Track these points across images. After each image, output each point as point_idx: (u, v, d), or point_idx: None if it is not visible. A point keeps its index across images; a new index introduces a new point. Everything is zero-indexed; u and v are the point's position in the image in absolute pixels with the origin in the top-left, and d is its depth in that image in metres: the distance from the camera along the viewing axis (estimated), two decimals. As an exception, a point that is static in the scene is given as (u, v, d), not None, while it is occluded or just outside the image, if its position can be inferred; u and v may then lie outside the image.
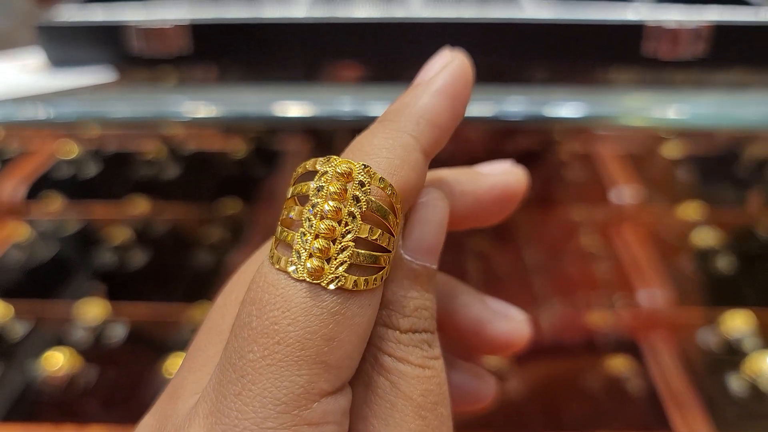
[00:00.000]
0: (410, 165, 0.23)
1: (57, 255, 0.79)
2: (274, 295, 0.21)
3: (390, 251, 0.22)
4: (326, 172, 0.22)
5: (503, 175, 0.28)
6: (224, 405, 0.20)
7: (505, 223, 0.83)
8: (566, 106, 0.57)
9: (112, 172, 0.92)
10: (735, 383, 0.62)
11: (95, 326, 0.68)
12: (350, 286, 0.21)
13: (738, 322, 0.66)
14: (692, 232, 0.79)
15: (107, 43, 0.62)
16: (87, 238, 0.81)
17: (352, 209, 0.21)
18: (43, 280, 0.76)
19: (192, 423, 0.21)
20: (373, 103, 0.57)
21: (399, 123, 0.24)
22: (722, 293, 0.72)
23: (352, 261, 0.21)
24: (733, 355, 0.64)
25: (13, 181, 0.86)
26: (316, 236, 0.21)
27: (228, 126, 0.92)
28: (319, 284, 0.21)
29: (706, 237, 0.78)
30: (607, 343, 0.66)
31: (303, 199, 0.22)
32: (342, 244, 0.21)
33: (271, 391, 0.20)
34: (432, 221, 0.25)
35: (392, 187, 0.22)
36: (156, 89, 0.63)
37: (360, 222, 0.21)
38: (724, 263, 0.75)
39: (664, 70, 0.59)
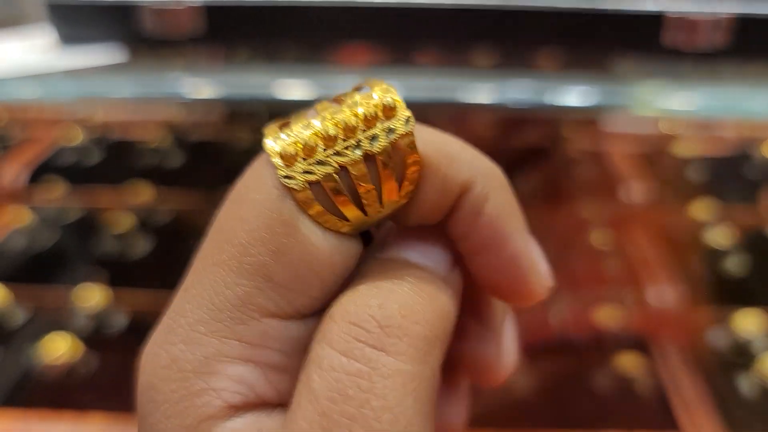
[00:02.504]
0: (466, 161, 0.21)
1: (58, 241, 0.78)
2: (241, 186, 0.19)
3: (367, 213, 0.19)
4: (374, 97, 0.19)
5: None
6: (173, 303, 0.20)
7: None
8: (582, 95, 0.56)
9: (116, 159, 0.92)
10: (745, 384, 0.61)
11: (96, 314, 0.67)
12: (302, 204, 0.19)
13: (749, 323, 0.65)
14: (703, 231, 0.78)
15: (119, 23, 0.61)
16: (89, 225, 0.80)
17: (360, 137, 0.19)
18: (44, 267, 0.75)
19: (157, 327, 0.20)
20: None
21: None
22: (733, 293, 0.72)
23: (322, 180, 0.19)
24: (743, 355, 0.63)
25: (16, 166, 0.86)
26: (315, 134, 0.19)
27: (234, 110, 0.92)
28: (284, 182, 0.18)
29: (717, 236, 0.77)
30: (616, 340, 0.65)
31: (335, 102, 0.20)
32: (325, 157, 0.19)
33: (210, 294, 0.19)
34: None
35: (417, 156, 0.19)
36: (167, 70, 0.62)
37: (357, 157, 0.19)
38: (735, 263, 0.74)
39: (683, 62, 0.59)
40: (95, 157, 0.91)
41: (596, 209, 0.82)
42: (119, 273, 0.73)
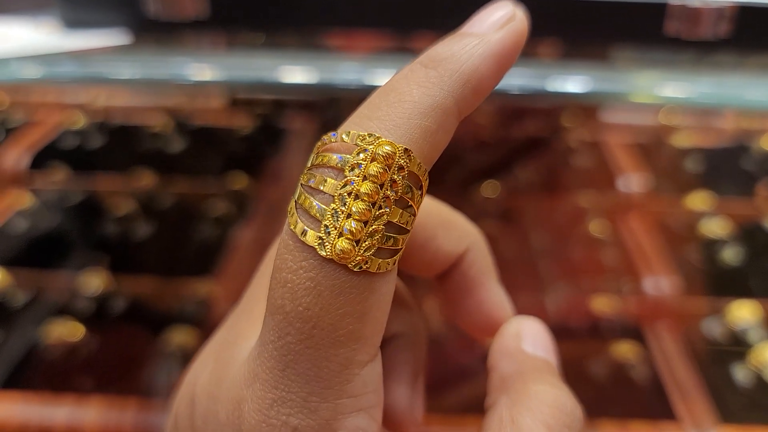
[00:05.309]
0: (444, 131, 0.22)
1: (60, 225, 0.79)
2: (303, 278, 0.21)
3: (410, 231, 0.22)
4: (365, 150, 0.21)
5: (500, 319, 0.28)
6: (273, 378, 0.21)
7: (512, 208, 0.82)
8: (581, 84, 0.56)
9: (118, 144, 0.92)
10: (740, 374, 0.61)
11: (97, 297, 0.68)
12: (374, 269, 0.21)
13: (744, 313, 0.66)
14: (700, 222, 0.79)
15: (123, 5, 0.61)
16: (90, 209, 0.81)
17: (389, 193, 0.21)
18: (45, 250, 0.75)
19: (240, 370, 0.23)
20: (385, 74, 0.57)
21: (443, 79, 0.22)
22: (729, 283, 0.72)
23: (379, 245, 0.21)
24: (738, 345, 0.64)
25: (18, 149, 0.86)
26: (348, 215, 0.20)
27: (236, 96, 0.92)
28: (345, 266, 0.20)
29: (713, 227, 0.78)
30: (612, 329, 0.66)
31: (333, 171, 0.21)
32: (373, 227, 0.21)
33: (313, 370, 0.21)
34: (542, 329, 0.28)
35: (425, 169, 0.21)
36: (170, 53, 0.62)
37: (393, 206, 0.21)
38: (731, 254, 0.75)
39: (684, 51, 0.59)
40: (97, 142, 0.92)
41: (594, 199, 0.82)
42: (120, 257, 0.74)
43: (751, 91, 0.59)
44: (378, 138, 0.21)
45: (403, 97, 0.21)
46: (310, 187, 0.21)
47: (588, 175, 0.87)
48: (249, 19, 0.61)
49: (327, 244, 0.20)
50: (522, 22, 0.23)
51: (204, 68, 0.59)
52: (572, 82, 0.58)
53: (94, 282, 0.69)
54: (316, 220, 0.21)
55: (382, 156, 0.20)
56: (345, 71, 0.59)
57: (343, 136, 0.21)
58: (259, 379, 0.22)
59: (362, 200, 0.20)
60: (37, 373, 0.61)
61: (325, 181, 0.21)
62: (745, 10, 0.58)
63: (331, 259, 0.20)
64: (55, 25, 0.63)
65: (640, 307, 0.68)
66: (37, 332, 0.64)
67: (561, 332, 0.68)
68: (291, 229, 0.21)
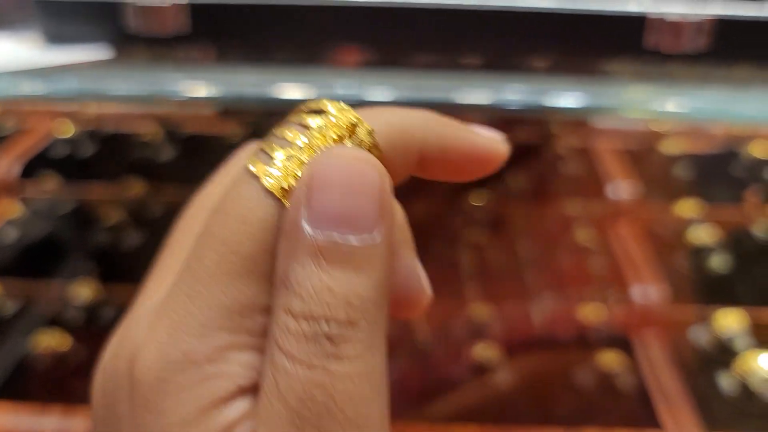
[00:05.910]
0: (404, 155, 0.25)
1: (50, 234, 0.79)
2: (240, 206, 0.21)
3: None
4: (335, 115, 0.23)
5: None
6: (175, 303, 0.21)
7: (499, 216, 0.82)
8: (565, 97, 0.57)
9: (108, 153, 0.92)
10: (726, 382, 0.61)
11: (87, 307, 0.68)
12: None
13: (731, 321, 0.66)
14: (688, 229, 0.79)
15: (104, 21, 0.61)
16: (81, 218, 0.81)
17: None
18: (35, 259, 0.75)
19: (144, 318, 0.22)
20: (373, 88, 0.57)
21: (430, 115, 0.25)
22: (716, 291, 0.72)
23: None
24: (724, 353, 0.64)
25: (8, 158, 0.86)
26: (302, 163, 0.21)
27: (224, 107, 0.92)
28: (283, 205, 0.21)
29: (701, 235, 0.78)
30: (599, 338, 0.66)
31: (301, 127, 0.23)
32: None
33: (220, 298, 0.20)
34: (337, 184, 0.20)
35: (380, 152, 0.23)
36: (152, 68, 0.62)
37: None
38: (719, 261, 0.75)
39: (665, 64, 0.59)
40: (87, 151, 0.92)
41: (583, 207, 0.82)
42: (110, 266, 0.73)
43: (734, 104, 0.59)
44: (349, 109, 0.23)
45: (394, 110, 0.25)
46: (276, 135, 0.23)
47: (577, 183, 0.87)
48: (230, 33, 0.61)
49: (274, 180, 0.21)
50: (505, 153, 0.27)
51: (186, 83, 0.59)
52: (561, 97, 0.58)
53: (84, 292, 0.69)
54: (270, 158, 0.22)
55: (347, 123, 0.22)
56: (332, 85, 0.59)
57: (328, 106, 0.23)
58: (164, 315, 0.21)
59: (310, 152, 0.22)
60: (26, 384, 0.61)
61: (291, 132, 0.22)
62: (723, 24, 0.58)
63: (272, 193, 0.21)
64: (36, 40, 0.64)
65: (627, 315, 0.68)
66: (27, 342, 0.64)
67: (547, 342, 0.68)
68: (247, 166, 0.22)
